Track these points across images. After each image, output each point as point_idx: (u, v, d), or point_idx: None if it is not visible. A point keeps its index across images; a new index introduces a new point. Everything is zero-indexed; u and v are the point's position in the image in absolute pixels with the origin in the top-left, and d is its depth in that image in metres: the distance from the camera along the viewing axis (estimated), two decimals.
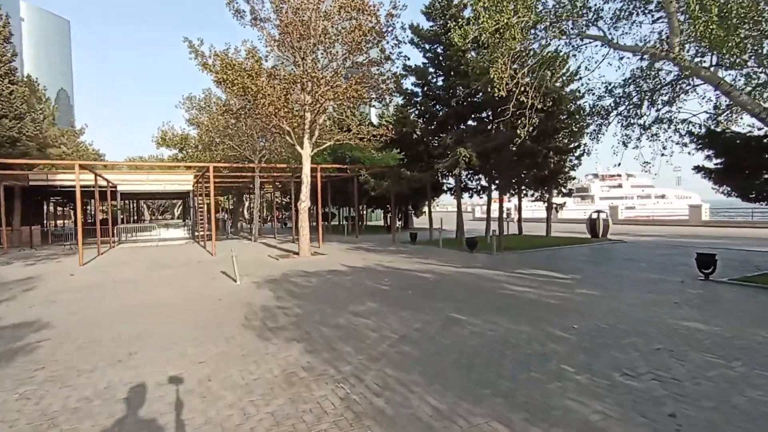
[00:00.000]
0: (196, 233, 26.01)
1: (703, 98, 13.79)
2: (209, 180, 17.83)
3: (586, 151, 15.00)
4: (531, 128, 11.06)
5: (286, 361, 5.10)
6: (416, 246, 19.04)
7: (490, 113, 16.73)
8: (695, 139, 10.82)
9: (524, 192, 18.92)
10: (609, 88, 13.47)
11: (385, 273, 11.51)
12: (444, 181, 22.58)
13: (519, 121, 13.12)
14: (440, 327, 6.35)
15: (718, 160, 10.90)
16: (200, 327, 6.69)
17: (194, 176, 27.07)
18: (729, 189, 10.67)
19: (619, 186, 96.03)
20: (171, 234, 28.22)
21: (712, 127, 13.51)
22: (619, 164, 13.93)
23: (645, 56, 10.59)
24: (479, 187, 22.28)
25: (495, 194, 20.78)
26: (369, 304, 7.93)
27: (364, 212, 42.89)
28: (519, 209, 22.21)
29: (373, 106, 16.66)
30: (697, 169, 11.30)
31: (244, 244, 22.80)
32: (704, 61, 10.48)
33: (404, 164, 19.38)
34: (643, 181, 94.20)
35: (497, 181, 18.76)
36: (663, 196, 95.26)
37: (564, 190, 17.43)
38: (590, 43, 11.92)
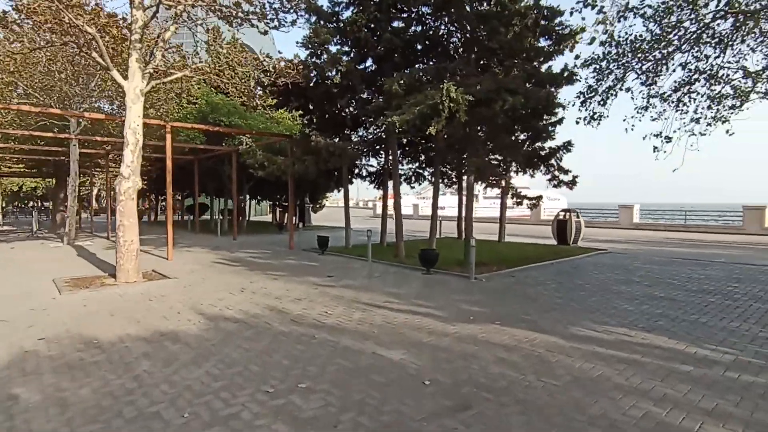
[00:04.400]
0: None
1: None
2: None
3: (594, 117, 9.92)
4: None
5: None
6: (329, 257, 12.42)
7: (460, 47, 10.73)
8: None
9: (490, 180, 13.46)
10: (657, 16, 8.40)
11: (300, 347, 4.81)
12: (363, 162, 16.23)
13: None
14: None
15: None
16: None
17: None
18: None
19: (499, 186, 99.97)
20: None
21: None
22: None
23: None
24: (412, 173, 16.40)
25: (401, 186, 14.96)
26: None
27: (248, 203, 34.67)
28: (468, 206, 16.53)
29: (271, 27, 9.69)
30: None
31: (40, 250, 13.86)
32: None
33: (312, 131, 12.59)
34: (519, 182, 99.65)
35: (454, 160, 13.00)
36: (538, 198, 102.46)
37: (565, 178, 11.99)
38: None
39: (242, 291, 7.74)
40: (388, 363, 4.32)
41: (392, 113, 8.37)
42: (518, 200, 12.93)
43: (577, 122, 9.15)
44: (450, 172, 17.18)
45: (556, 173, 11.29)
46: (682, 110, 9.67)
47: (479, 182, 13.03)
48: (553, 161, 10.94)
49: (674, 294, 7.36)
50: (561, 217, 14.85)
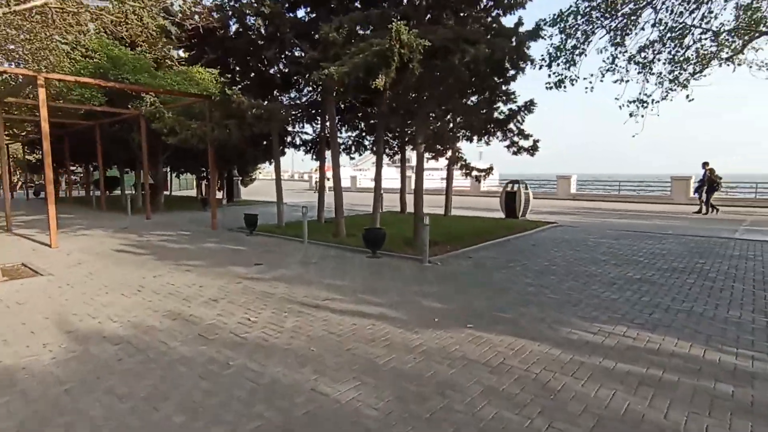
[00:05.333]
0: None
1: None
2: None
3: (562, 80, 8.96)
4: None
5: None
6: (258, 238, 10.75)
7: None
8: None
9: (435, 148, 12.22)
10: None
11: (205, 384, 3.31)
12: (297, 129, 14.40)
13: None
14: None
15: None
16: None
17: None
18: None
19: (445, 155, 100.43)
20: None
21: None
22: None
23: None
24: (352, 142, 14.86)
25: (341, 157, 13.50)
26: None
27: (169, 177, 31.30)
28: (419, 178, 15.17)
29: None
30: None
31: None
32: None
33: (235, 91, 10.56)
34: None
35: (398, 128, 11.66)
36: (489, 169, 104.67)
37: (526, 143, 10.76)
38: None
39: (140, 291, 5.98)
40: (335, 409, 2.97)
41: (329, 65, 6.75)
42: (467, 171, 11.88)
43: (548, 88, 8.19)
44: (392, 141, 15.83)
45: (516, 139, 10.25)
46: (646, 72, 9.04)
47: (427, 152, 11.81)
48: (512, 125, 9.89)
49: (649, 275, 6.65)
50: (510, 189, 14.13)
